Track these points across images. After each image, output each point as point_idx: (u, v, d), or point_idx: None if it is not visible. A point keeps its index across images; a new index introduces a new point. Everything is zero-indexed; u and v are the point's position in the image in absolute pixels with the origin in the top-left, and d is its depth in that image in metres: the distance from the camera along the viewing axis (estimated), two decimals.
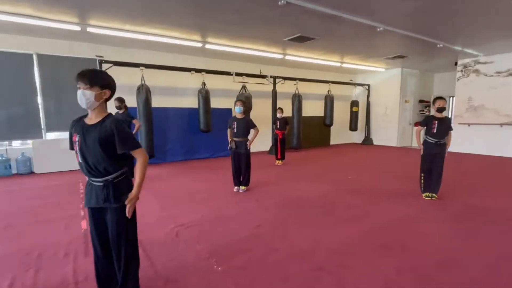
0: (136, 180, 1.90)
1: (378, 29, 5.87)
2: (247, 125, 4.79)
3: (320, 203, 4.20)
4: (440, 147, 4.38)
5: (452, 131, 4.43)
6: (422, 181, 4.55)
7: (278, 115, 7.47)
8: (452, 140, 4.52)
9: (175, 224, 3.39)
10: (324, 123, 10.92)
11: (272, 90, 9.34)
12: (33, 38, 6.52)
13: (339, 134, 12.35)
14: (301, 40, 6.96)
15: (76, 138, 1.80)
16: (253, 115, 8.93)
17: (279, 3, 4.55)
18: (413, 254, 2.68)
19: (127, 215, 1.87)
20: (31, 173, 6.45)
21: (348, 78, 11.87)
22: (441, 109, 4.32)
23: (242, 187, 4.89)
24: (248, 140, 4.82)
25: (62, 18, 5.36)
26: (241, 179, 4.88)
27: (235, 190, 4.87)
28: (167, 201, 4.32)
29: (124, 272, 1.93)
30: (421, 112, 11.90)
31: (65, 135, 7.12)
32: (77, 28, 5.69)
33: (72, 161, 6.93)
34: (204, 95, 7.89)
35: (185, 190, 4.95)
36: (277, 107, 8.18)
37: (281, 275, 2.33)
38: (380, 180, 5.73)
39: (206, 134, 8.22)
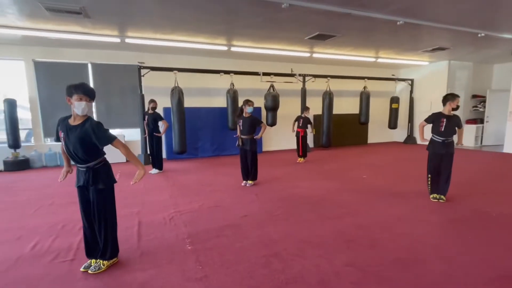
0: (133, 163, 2.50)
1: (398, 23, 5.64)
2: (252, 123, 5.08)
3: (314, 200, 4.31)
4: (447, 146, 4.15)
5: (463, 128, 4.17)
6: (429, 182, 4.35)
7: (304, 114, 7.57)
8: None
9: (174, 210, 3.89)
10: (359, 121, 10.57)
11: (301, 88, 9.42)
12: (88, 50, 7.71)
13: (379, 132, 11.81)
14: (322, 38, 6.96)
15: (62, 134, 2.35)
16: (281, 114, 9.19)
17: (283, 6, 4.75)
18: (376, 252, 2.73)
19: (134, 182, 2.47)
20: None
21: (390, 73, 11.24)
22: (456, 108, 4.11)
23: (250, 182, 5.22)
24: (253, 136, 5.12)
25: (105, 32, 6.30)
26: (248, 174, 5.22)
27: (242, 184, 5.22)
28: (178, 191, 4.87)
29: (104, 239, 2.46)
30: (474, 109, 10.72)
31: (113, 132, 8.25)
32: (117, 40, 6.62)
33: (115, 154, 8.03)
34: (232, 95, 8.36)
35: (199, 183, 5.47)
36: (305, 105, 8.28)
37: (237, 258, 2.62)
38: (395, 180, 5.53)
39: (234, 132, 8.69)
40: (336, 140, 10.29)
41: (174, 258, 2.63)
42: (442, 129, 4.11)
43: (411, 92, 11.18)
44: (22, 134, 7.43)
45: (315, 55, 8.57)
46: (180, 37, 6.73)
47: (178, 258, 2.63)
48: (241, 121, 5.10)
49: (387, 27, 6.03)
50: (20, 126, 7.10)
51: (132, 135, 8.46)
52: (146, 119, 6.51)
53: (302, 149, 7.56)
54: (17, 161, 6.88)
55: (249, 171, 5.21)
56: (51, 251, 2.79)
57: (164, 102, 8.09)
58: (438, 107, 4.53)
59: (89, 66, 7.86)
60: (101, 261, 2.47)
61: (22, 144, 7.19)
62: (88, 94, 2.34)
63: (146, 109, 6.77)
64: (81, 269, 2.45)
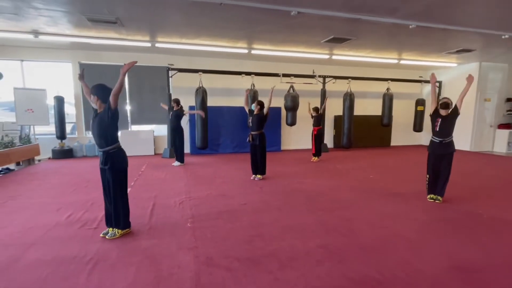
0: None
1: (410, 27, 5.74)
2: (259, 118, 5.47)
3: (312, 195, 4.64)
4: (445, 146, 4.23)
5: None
6: (427, 181, 4.46)
7: (313, 113, 7.79)
8: None
9: (185, 196, 4.45)
10: (382, 122, 10.52)
11: (321, 89, 9.64)
12: (123, 53, 8.62)
13: (403, 134, 11.62)
14: (338, 41, 7.19)
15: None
16: (300, 114, 9.50)
17: (291, 13, 5.12)
18: (350, 239, 3.04)
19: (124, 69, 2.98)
20: None
21: (415, 75, 11.02)
22: (445, 105, 4.10)
23: (258, 176, 5.66)
24: (262, 132, 5.54)
25: (137, 38, 7.09)
26: (257, 168, 5.66)
27: (251, 178, 5.67)
28: (193, 181, 5.45)
29: (115, 212, 3.06)
30: (508, 113, 10.17)
31: (144, 127, 9.15)
32: (148, 44, 7.40)
33: (146, 147, 8.87)
34: (252, 95, 8.83)
35: (213, 175, 6.01)
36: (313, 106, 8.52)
37: (226, 235, 3.08)
38: (403, 182, 5.64)
39: None
40: (357, 141, 10.35)
41: (175, 232, 3.16)
42: (437, 129, 4.19)
43: (439, 94, 10.86)
44: (68, 127, 8.53)
45: (334, 57, 8.76)
46: (203, 41, 7.34)
47: (178, 232, 3.16)
48: (251, 118, 5.55)
49: (403, 30, 6.13)
50: (66, 120, 8.19)
51: (160, 131, 9.28)
52: (170, 115, 7.19)
53: (316, 147, 7.81)
54: (63, 150, 7.96)
55: (258, 166, 5.64)
56: (81, 221, 3.47)
57: (189, 101, 8.80)
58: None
59: None
60: (116, 229, 3.08)
61: (67, 136, 8.27)
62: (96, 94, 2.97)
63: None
64: (101, 235, 3.08)
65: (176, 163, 7.17)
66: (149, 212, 3.78)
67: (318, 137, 7.78)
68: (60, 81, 8.52)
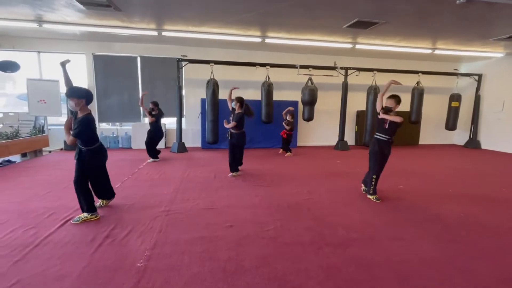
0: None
1: (457, 2, 4.11)
2: (239, 117, 4.68)
3: (321, 214, 3.36)
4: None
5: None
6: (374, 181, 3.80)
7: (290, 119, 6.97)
8: None
9: (164, 209, 3.32)
10: (409, 119, 8.77)
11: (343, 82, 8.10)
12: (136, 44, 7.66)
13: (434, 133, 9.75)
14: (364, 26, 5.64)
15: None
16: (318, 109, 8.09)
17: None
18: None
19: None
20: (130, 148, 7.77)
21: (448, 67, 9.04)
22: (388, 109, 3.62)
23: (233, 173, 4.95)
24: (242, 131, 4.79)
25: (141, 26, 6.04)
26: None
27: (229, 175, 4.92)
28: (185, 185, 4.30)
29: (77, 197, 2.99)
30: None
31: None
32: (155, 33, 6.32)
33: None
34: (267, 88, 7.55)
35: (210, 178, 4.84)
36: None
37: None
38: (442, 195, 4.15)
39: (268, 125, 7.92)
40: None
41: (114, 276, 2.07)
42: (387, 126, 3.67)
43: (478, 89, 8.84)
44: None
45: (358, 46, 7.17)
46: (211, 28, 6.13)
47: (118, 278, 2.06)
48: (232, 115, 4.81)
49: (446, 8, 4.50)
50: None
51: (173, 124, 8.31)
52: (151, 119, 5.99)
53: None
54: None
55: (237, 164, 4.99)
56: (10, 246, 2.49)
57: (201, 93, 7.73)
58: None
59: (138, 59, 7.84)
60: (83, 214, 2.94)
61: None
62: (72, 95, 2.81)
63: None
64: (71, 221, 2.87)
65: (151, 160, 6.12)
66: (106, 233, 2.71)
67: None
68: (74, 72, 7.76)
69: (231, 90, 5.14)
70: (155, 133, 6.06)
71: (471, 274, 2.17)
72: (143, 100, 6.15)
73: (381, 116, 3.65)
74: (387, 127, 3.62)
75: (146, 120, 8.07)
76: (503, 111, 8.35)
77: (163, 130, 6.57)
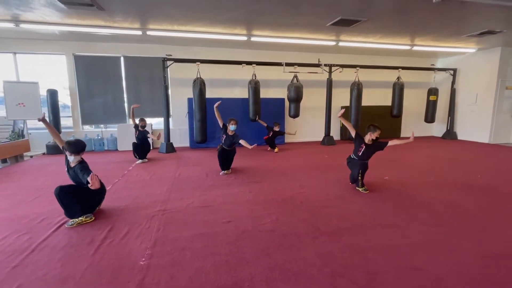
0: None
1: (433, 1, 4.35)
2: (232, 141, 4.98)
3: (313, 207, 3.48)
4: (364, 164, 4.02)
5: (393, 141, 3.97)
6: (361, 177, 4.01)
7: (276, 128, 7.38)
8: None
9: (159, 208, 3.33)
10: (391, 113, 9.12)
11: (327, 78, 8.30)
12: (119, 44, 7.50)
13: (414, 126, 10.14)
14: (346, 24, 5.83)
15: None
16: (304, 105, 8.25)
17: None
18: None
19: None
20: (116, 150, 7.62)
21: (426, 63, 9.49)
22: (376, 140, 3.96)
23: (225, 171, 5.07)
24: (233, 148, 5.15)
25: (125, 25, 5.93)
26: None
27: (221, 173, 5.01)
28: (178, 185, 4.30)
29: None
30: None
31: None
32: (139, 32, 6.23)
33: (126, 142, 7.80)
34: (254, 86, 7.61)
35: (202, 176, 4.88)
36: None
37: (186, 285, 1.99)
38: (426, 183, 4.39)
39: (256, 123, 7.99)
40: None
41: (118, 274, 2.08)
42: (360, 154, 3.98)
43: (453, 83, 9.32)
44: (64, 121, 7.54)
45: (341, 44, 7.38)
46: (198, 28, 6.11)
47: (122, 276, 2.08)
48: (224, 136, 5.05)
49: (423, 7, 4.74)
50: (61, 114, 7.23)
51: (161, 124, 8.22)
52: (136, 133, 5.99)
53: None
54: (56, 145, 7.00)
55: (229, 163, 5.19)
56: (5, 253, 2.43)
57: (188, 93, 7.69)
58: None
59: (122, 59, 7.68)
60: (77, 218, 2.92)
61: (63, 130, 7.32)
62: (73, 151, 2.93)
63: (137, 124, 6.01)
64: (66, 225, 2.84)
65: (140, 161, 6.05)
66: (103, 235, 2.70)
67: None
68: (52, 73, 7.51)
69: (216, 108, 5.06)
70: (147, 144, 6.13)
71: (457, 253, 2.35)
72: (133, 113, 6.00)
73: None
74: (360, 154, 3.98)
75: (130, 121, 7.96)
76: (476, 104, 8.85)
77: (150, 142, 6.47)
